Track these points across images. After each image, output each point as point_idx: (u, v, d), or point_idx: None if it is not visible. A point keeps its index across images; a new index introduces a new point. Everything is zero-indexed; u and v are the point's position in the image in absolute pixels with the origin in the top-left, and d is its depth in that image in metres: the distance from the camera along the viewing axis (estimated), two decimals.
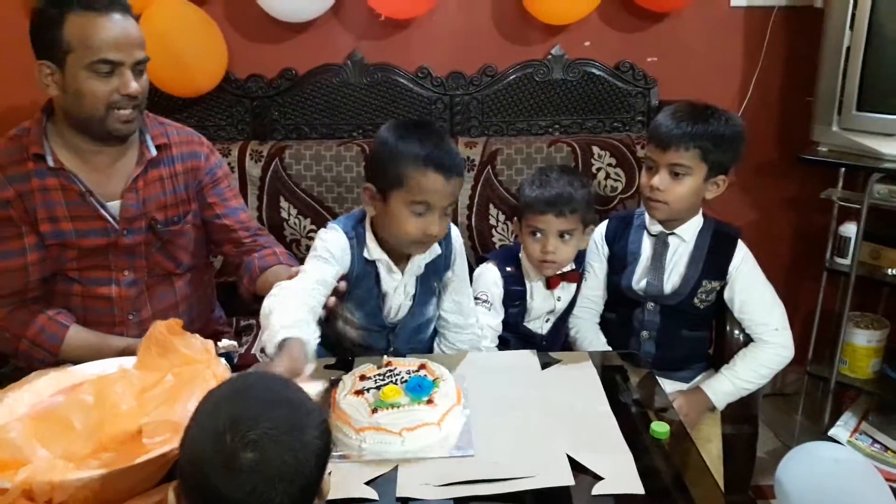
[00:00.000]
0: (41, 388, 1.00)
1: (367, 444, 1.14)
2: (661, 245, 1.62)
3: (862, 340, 2.10)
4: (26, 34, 1.38)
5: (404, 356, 1.39)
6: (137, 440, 0.90)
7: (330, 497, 1.03)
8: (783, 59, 2.23)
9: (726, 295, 1.61)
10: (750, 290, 1.59)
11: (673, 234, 1.61)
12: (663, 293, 1.60)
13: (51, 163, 1.39)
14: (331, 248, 1.36)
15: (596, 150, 2.08)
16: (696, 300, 1.60)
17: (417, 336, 1.55)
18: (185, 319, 1.45)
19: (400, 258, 1.43)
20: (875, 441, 2.04)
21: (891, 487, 1.57)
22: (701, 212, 1.63)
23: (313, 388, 1.08)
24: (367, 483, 1.07)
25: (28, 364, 1.39)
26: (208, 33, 2.02)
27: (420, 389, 1.20)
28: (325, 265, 1.34)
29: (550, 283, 1.63)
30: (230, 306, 1.90)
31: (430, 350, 1.58)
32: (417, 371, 1.27)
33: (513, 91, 2.18)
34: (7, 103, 2.08)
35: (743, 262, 1.60)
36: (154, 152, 1.49)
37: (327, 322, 1.49)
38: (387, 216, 1.36)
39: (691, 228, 1.61)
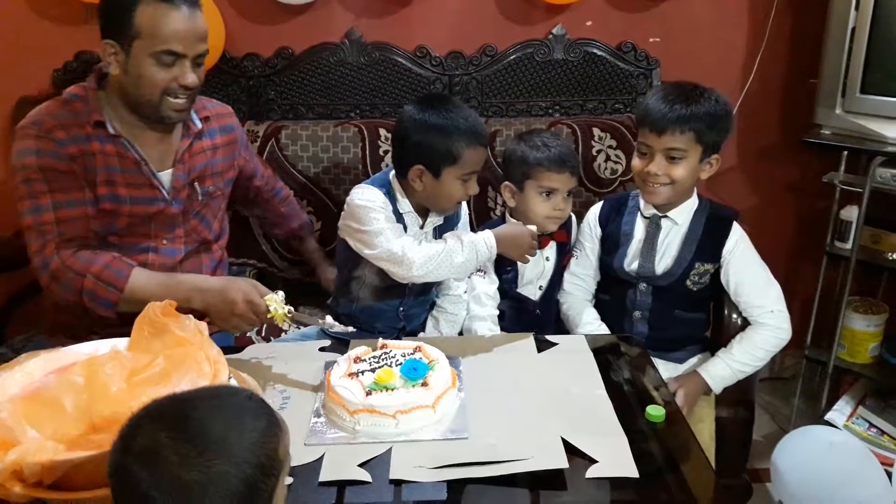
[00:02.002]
0: (32, 368, 1.00)
1: (360, 427, 1.14)
2: (653, 227, 1.61)
3: (861, 325, 2.09)
4: None
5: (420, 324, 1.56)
6: None
7: (323, 479, 1.04)
8: (787, 41, 2.20)
9: (722, 277, 1.61)
10: (744, 272, 1.58)
11: (666, 216, 1.60)
12: (655, 274, 1.60)
13: (111, 130, 1.45)
14: (378, 203, 1.47)
15: (596, 131, 2.05)
16: (688, 282, 1.60)
17: (425, 295, 1.63)
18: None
19: (420, 213, 1.55)
20: (872, 425, 2.04)
21: (886, 471, 1.58)
22: (696, 193, 1.62)
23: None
24: (361, 465, 1.07)
25: (92, 307, 1.39)
26: (204, 11, 1.99)
27: (415, 372, 1.20)
28: (389, 217, 1.47)
29: (541, 243, 1.62)
30: None
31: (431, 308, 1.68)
32: (412, 353, 1.26)
33: (513, 71, 2.15)
34: None
35: (737, 245, 1.58)
36: (199, 125, 1.57)
37: (340, 294, 1.60)
38: (436, 190, 1.48)
39: (685, 211, 1.60)
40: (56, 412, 0.91)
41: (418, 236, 1.53)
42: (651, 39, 2.18)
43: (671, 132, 1.51)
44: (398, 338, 1.46)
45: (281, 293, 1.32)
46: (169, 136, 1.52)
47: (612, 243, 1.66)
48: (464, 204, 1.63)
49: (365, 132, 2.04)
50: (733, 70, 2.23)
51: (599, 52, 2.15)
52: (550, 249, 1.69)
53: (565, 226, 1.71)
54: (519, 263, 1.63)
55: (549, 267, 1.69)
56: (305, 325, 1.35)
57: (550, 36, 2.14)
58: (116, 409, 0.91)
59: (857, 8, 1.87)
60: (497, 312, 1.65)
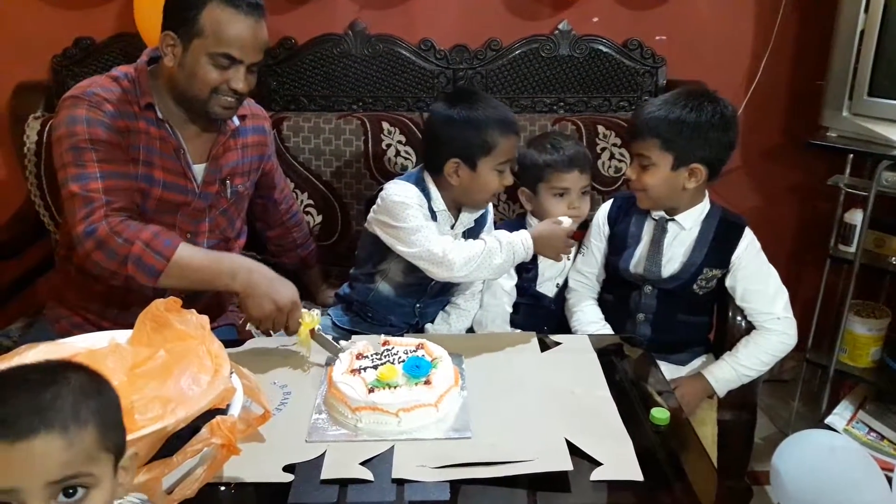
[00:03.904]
0: (32, 359, 0.98)
1: (362, 424, 1.13)
2: (659, 230, 1.60)
3: (863, 329, 2.08)
4: None
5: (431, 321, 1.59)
6: (129, 416, 0.88)
7: (325, 476, 1.03)
8: (794, 42, 2.19)
9: (728, 283, 1.59)
10: (753, 279, 1.57)
11: (673, 220, 1.59)
12: (660, 277, 1.59)
13: (159, 114, 1.46)
14: (415, 200, 1.47)
15: (601, 129, 2.04)
16: (695, 286, 1.58)
17: (444, 294, 1.64)
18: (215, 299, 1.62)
19: (452, 212, 1.56)
20: (871, 430, 2.04)
21: (887, 477, 1.57)
22: (707, 199, 1.60)
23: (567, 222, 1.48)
24: (363, 463, 1.06)
25: (134, 274, 1.37)
26: None
27: (417, 370, 1.18)
28: (426, 215, 1.48)
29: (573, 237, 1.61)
30: None
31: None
32: (415, 351, 1.25)
33: (518, 66, 2.13)
34: None
35: (746, 251, 1.57)
36: (237, 123, 1.58)
37: (357, 282, 1.61)
38: (473, 182, 1.49)
39: (693, 216, 1.58)
40: None
41: (451, 237, 1.52)
42: (657, 37, 2.16)
43: (640, 138, 1.52)
44: (407, 333, 1.46)
45: (317, 312, 1.34)
46: (208, 132, 1.54)
47: (619, 243, 1.65)
48: (490, 206, 1.66)
49: (368, 125, 2.02)
50: (739, 70, 2.21)
51: (605, 49, 2.13)
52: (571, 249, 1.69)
53: (583, 225, 1.71)
54: (540, 262, 1.64)
55: (569, 265, 1.70)
56: (323, 347, 1.33)
57: (556, 31, 2.12)
58: None
59: (866, 10, 1.86)
60: (510, 309, 1.65)
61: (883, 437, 2.01)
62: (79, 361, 0.77)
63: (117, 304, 1.55)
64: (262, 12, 1.43)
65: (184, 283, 1.41)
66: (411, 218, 1.44)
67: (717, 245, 1.57)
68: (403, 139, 2.02)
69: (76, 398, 0.70)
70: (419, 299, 1.59)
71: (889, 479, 1.57)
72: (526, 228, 1.62)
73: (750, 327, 1.60)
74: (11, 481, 0.67)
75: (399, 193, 1.47)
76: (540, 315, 1.67)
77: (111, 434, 0.73)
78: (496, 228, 1.76)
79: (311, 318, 1.32)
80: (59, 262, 1.64)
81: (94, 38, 2.06)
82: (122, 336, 1.08)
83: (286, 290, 1.35)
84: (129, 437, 0.85)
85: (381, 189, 1.54)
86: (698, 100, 1.50)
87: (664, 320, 1.62)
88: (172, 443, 0.90)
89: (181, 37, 1.40)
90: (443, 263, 1.41)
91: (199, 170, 1.54)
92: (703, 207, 1.59)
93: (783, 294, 1.58)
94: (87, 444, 0.70)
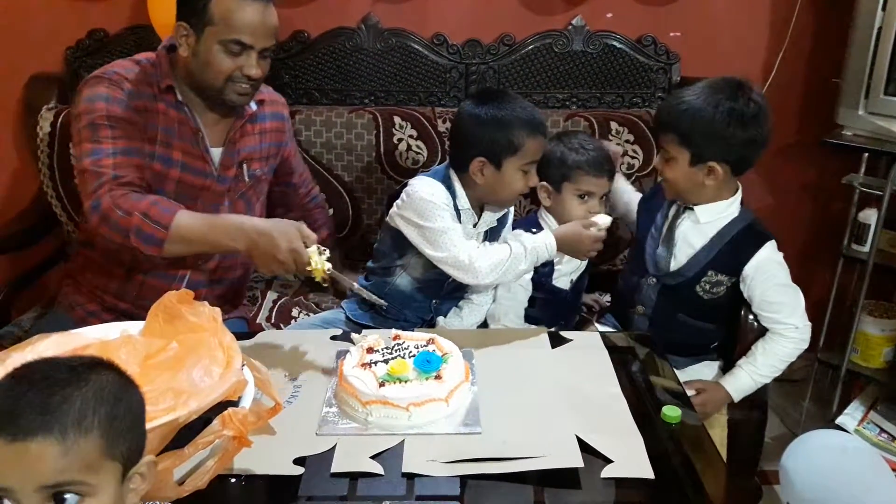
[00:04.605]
0: (43, 350, 0.98)
1: (373, 418, 1.13)
2: (675, 216, 1.56)
3: (875, 329, 2.07)
4: None
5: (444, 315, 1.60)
6: None
7: (335, 470, 1.03)
8: (810, 39, 2.16)
9: (744, 290, 1.54)
10: (771, 293, 1.51)
11: (689, 209, 1.54)
12: (667, 270, 1.56)
13: (179, 97, 1.49)
14: (442, 198, 1.46)
15: (614, 125, 2.03)
16: (698, 287, 1.54)
17: (460, 291, 1.63)
18: (240, 272, 1.67)
19: (476, 210, 1.55)
20: (883, 431, 2.02)
21: None
22: (737, 200, 1.53)
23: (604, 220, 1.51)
24: (373, 457, 1.06)
25: (139, 246, 1.38)
26: None
27: (428, 364, 1.18)
28: (452, 216, 1.47)
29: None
30: None
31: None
32: (426, 346, 1.25)
33: (531, 62, 2.13)
34: None
35: (762, 266, 1.50)
36: (254, 108, 1.59)
37: (374, 275, 1.62)
38: (498, 181, 1.48)
39: (712, 211, 1.52)
40: None
41: (470, 235, 1.52)
42: (672, 33, 2.15)
43: (661, 131, 1.51)
44: (419, 328, 1.46)
45: (326, 252, 1.32)
46: (225, 117, 1.56)
47: (644, 220, 1.63)
48: (511, 211, 1.65)
49: (379, 119, 2.02)
50: (754, 67, 2.19)
51: (619, 45, 2.12)
52: None
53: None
54: (556, 258, 1.62)
55: (584, 263, 1.69)
56: (338, 288, 1.35)
57: (570, 27, 2.11)
58: None
59: (884, 7, 1.83)
60: (525, 303, 1.64)
61: (894, 438, 2.00)
62: (111, 362, 0.77)
63: (136, 286, 1.56)
64: None
65: (191, 249, 1.44)
66: (438, 218, 1.44)
67: (730, 250, 1.51)
68: (415, 133, 2.01)
69: (85, 404, 0.69)
70: (437, 294, 1.58)
71: None
72: (539, 225, 1.63)
73: (763, 329, 1.57)
74: (4, 480, 0.67)
75: (427, 192, 1.46)
76: (555, 308, 1.65)
77: (121, 442, 0.72)
78: (519, 220, 1.76)
79: (317, 255, 1.29)
80: (78, 247, 1.65)
81: (108, 30, 2.07)
82: (134, 327, 1.08)
83: (282, 240, 1.31)
84: None
85: (406, 185, 1.52)
86: (719, 94, 1.44)
87: (663, 317, 1.58)
88: (184, 434, 0.91)
89: (194, 26, 1.43)
90: (469, 270, 1.43)
91: (216, 153, 1.56)
92: (728, 207, 1.53)
93: (801, 303, 1.53)
94: (86, 452, 0.68)
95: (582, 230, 1.49)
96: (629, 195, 1.77)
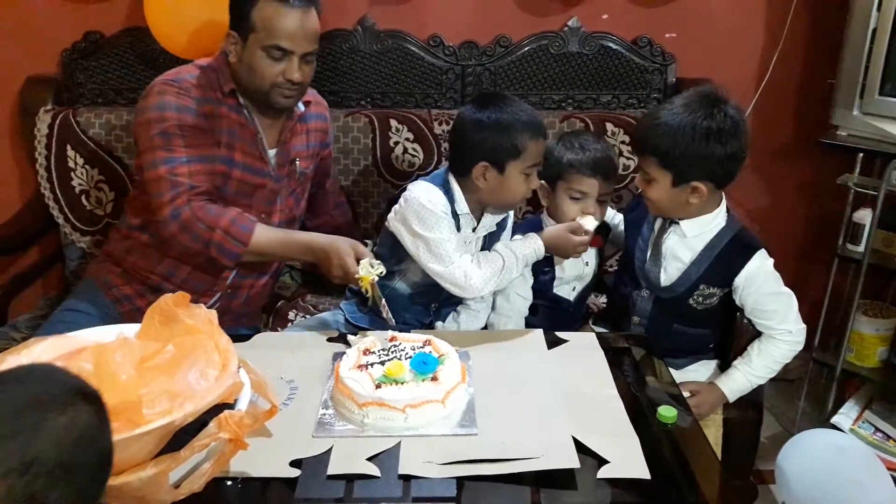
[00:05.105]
0: (39, 353, 0.98)
1: (369, 420, 1.13)
2: (661, 231, 1.54)
3: (870, 329, 2.07)
4: None
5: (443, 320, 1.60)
6: (137, 410, 0.88)
7: (332, 472, 1.03)
8: (805, 39, 2.17)
9: (736, 299, 1.53)
10: (764, 300, 1.50)
11: (675, 223, 1.51)
12: (658, 284, 1.54)
13: (241, 100, 1.57)
14: (440, 206, 1.45)
15: (609, 126, 2.03)
16: (691, 300, 1.53)
17: (457, 297, 1.61)
18: (277, 265, 1.76)
19: (475, 214, 1.54)
20: (878, 430, 2.03)
21: (892, 476, 1.57)
22: (722, 211, 1.51)
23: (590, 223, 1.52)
24: (369, 459, 1.06)
25: (217, 258, 1.51)
26: None
27: (425, 366, 1.18)
28: (451, 226, 1.46)
29: (592, 242, 1.59)
30: None
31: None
32: (422, 347, 1.25)
33: (527, 63, 2.13)
34: None
35: (753, 276, 1.48)
36: (303, 108, 1.68)
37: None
38: (501, 185, 1.47)
39: (698, 225, 1.50)
40: None
41: (469, 240, 1.52)
42: (667, 34, 2.15)
43: (639, 153, 1.49)
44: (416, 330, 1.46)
45: (379, 266, 1.40)
46: (277, 119, 1.64)
47: (631, 232, 1.61)
48: (511, 214, 1.65)
49: (376, 122, 2.02)
50: (750, 67, 2.20)
51: (615, 46, 2.12)
52: (589, 255, 1.66)
53: (602, 231, 1.67)
54: (556, 264, 1.63)
55: (588, 271, 1.68)
56: (376, 304, 1.42)
57: (566, 28, 2.12)
58: (125, 398, 0.89)
59: (878, 8, 1.85)
60: (526, 312, 1.64)
61: (889, 437, 2.01)
62: (97, 395, 0.72)
63: (186, 271, 1.63)
64: (309, 3, 1.51)
65: (263, 260, 1.61)
66: (435, 228, 1.44)
67: (720, 263, 1.49)
68: (412, 136, 2.02)
69: (28, 448, 0.62)
70: (436, 299, 1.58)
71: (895, 479, 1.57)
72: (542, 228, 1.61)
73: (758, 330, 1.57)
74: None
75: (427, 198, 1.45)
76: (558, 318, 1.63)
77: (72, 492, 0.64)
78: (521, 223, 1.75)
79: (367, 270, 1.38)
80: (126, 230, 1.68)
81: (104, 32, 2.07)
82: (130, 330, 1.08)
83: (334, 258, 1.44)
84: (137, 431, 0.86)
85: (405, 189, 1.52)
86: (696, 113, 1.40)
87: (658, 327, 1.57)
88: (180, 437, 0.91)
89: (240, 34, 1.52)
90: (464, 287, 1.45)
91: (271, 154, 1.63)
92: (714, 219, 1.50)
93: (794, 307, 1.52)
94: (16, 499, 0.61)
95: (566, 234, 1.50)
96: (617, 218, 1.74)
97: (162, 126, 1.50)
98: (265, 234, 1.53)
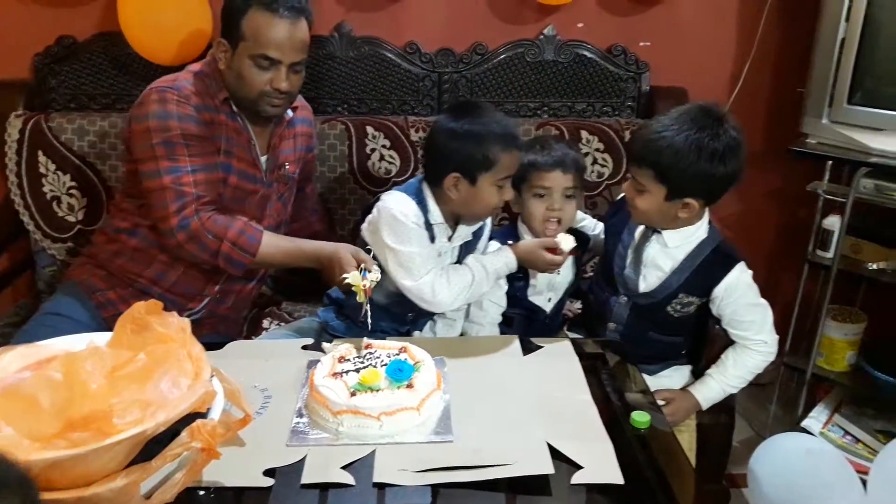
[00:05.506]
0: (6, 363, 0.96)
1: (343, 428, 1.13)
2: (643, 239, 1.55)
3: (839, 334, 2.11)
4: None
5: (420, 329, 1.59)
6: (108, 420, 0.87)
7: (306, 481, 1.03)
8: (776, 49, 2.21)
9: (713, 309, 1.55)
10: (741, 312, 1.52)
11: (657, 232, 1.53)
12: (637, 291, 1.56)
13: (234, 107, 1.59)
14: (412, 218, 1.44)
15: (584, 134, 2.05)
16: (668, 308, 1.54)
17: None
18: (264, 271, 1.77)
19: (449, 223, 1.53)
20: (847, 433, 2.07)
21: (861, 479, 1.59)
22: (705, 223, 1.52)
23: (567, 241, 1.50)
24: (344, 467, 1.06)
25: (225, 267, 1.55)
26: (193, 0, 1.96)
27: (400, 373, 1.18)
28: (422, 238, 1.45)
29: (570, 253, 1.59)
30: None
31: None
32: (398, 354, 1.25)
33: (503, 71, 2.14)
34: None
35: (732, 287, 1.50)
36: (291, 114, 1.69)
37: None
38: (473, 197, 1.46)
39: (680, 235, 1.51)
40: (32, 409, 0.88)
41: (444, 249, 1.52)
42: (641, 43, 2.18)
43: (636, 163, 1.47)
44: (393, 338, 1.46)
45: (374, 273, 1.38)
46: (266, 126, 1.66)
47: (611, 238, 1.62)
48: (488, 223, 1.64)
49: (352, 129, 2.02)
50: (722, 76, 2.24)
51: (589, 55, 2.15)
52: (564, 265, 1.62)
53: (579, 239, 1.63)
54: (530, 273, 1.63)
55: (560, 281, 1.67)
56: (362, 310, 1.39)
57: (541, 36, 2.13)
58: (95, 407, 0.88)
59: (847, 19, 1.88)
60: (500, 319, 1.64)
61: (858, 441, 2.04)
62: (27, 483, 0.70)
63: (178, 273, 1.62)
64: (299, 14, 1.52)
65: (266, 267, 1.67)
66: (406, 241, 1.43)
67: (701, 273, 1.51)
68: (388, 143, 2.02)
69: None
70: (412, 309, 1.55)
71: (864, 482, 1.60)
72: (517, 236, 1.62)
73: (730, 338, 1.58)
74: None
75: (399, 209, 1.44)
76: (535, 329, 1.62)
77: None
78: (495, 231, 1.75)
79: (356, 278, 1.36)
80: (112, 233, 1.66)
81: (77, 36, 2.05)
82: (101, 339, 1.07)
83: (336, 264, 1.45)
84: (107, 442, 0.85)
85: (378, 199, 1.51)
86: (702, 133, 1.39)
87: (635, 334, 1.58)
88: (151, 447, 0.90)
89: (230, 42, 1.53)
90: (432, 303, 1.45)
91: (263, 160, 1.66)
92: (697, 231, 1.51)
93: (769, 319, 1.54)
94: None
95: (539, 250, 1.49)
96: (598, 228, 1.73)
97: (165, 135, 1.50)
98: (272, 244, 1.55)
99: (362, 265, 1.41)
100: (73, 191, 1.97)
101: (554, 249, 1.50)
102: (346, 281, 1.37)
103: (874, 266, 2.02)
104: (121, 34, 1.94)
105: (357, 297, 1.36)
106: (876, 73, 1.90)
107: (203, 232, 1.51)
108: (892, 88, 1.90)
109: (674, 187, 1.43)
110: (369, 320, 1.38)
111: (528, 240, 1.56)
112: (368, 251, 1.47)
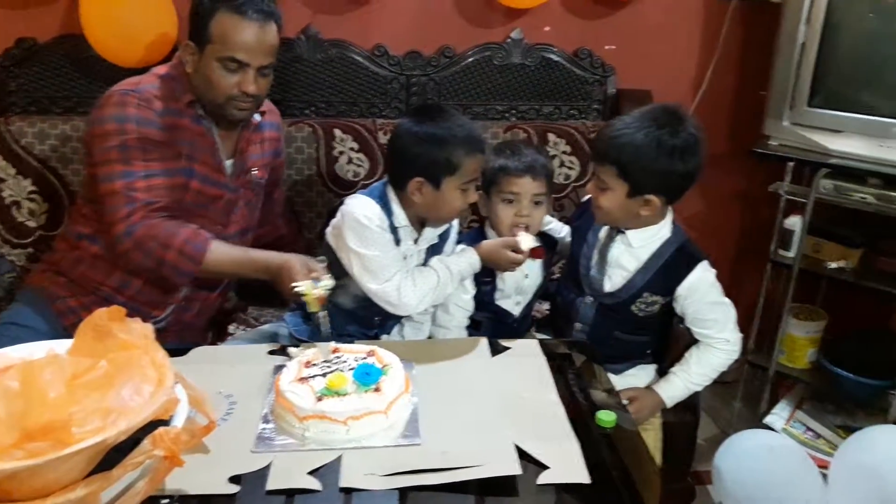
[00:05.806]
0: None
1: (310, 433, 1.12)
2: (607, 240, 1.57)
3: (800, 332, 2.15)
4: None
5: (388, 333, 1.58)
6: (66, 429, 0.86)
7: (271, 487, 1.02)
8: (739, 52, 2.26)
9: (676, 309, 1.57)
10: (704, 311, 1.55)
11: (622, 233, 1.55)
12: (602, 290, 1.58)
13: (200, 111, 1.56)
14: (376, 221, 1.44)
15: (552, 137, 2.07)
16: (633, 307, 1.56)
17: None
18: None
19: (415, 226, 1.52)
20: (808, 429, 2.11)
21: (821, 473, 1.63)
22: (668, 223, 1.55)
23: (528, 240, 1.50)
24: (310, 473, 1.05)
25: (170, 276, 1.51)
26: (157, 1, 1.93)
27: (367, 377, 1.18)
28: (387, 242, 1.44)
29: (533, 254, 1.58)
30: None
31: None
32: (366, 358, 1.25)
33: (470, 74, 2.15)
34: None
35: (695, 286, 1.52)
36: (258, 118, 1.67)
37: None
38: (437, 201, 1.46)
39: (643, 236, 1.53)
40: None
41: (411, 252, 1.52)
42: (607, 47, 2.21)
43: (599, 161, 1.49)
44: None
45: (325, 283, 1.34)
46: (233, 129, 1.63)
47: (577, 239, 1.63)
48: (455, 225, 1.63)
49: (320, 132, 2.01)
50: (686, 79, 2.28)
51: (556, 58, 2.17)
52: (531, 267, 1.65)
53: (546, 243, 1.67)
54: (497, 276, 1.63)
55: (528, 284, 1.67)
56: (318, 320, 1.36)
57: (509, 40, 2.15)
58: (53, 416, 0.86)
59: (807, 23, 1.92)
60: (467, 322, 1.64)
61: (819, 436, 2.09)
62: None
63: (141, 282, 1.60)
64: (267, 17, 1.51)
65: (216, 277, 1.62)
66: (371, 244, 1.42)
67: (664, 272, 1.53)
68: (356, 146, 2.02)
69: None
70: (379, 312, 1.55)
71: (824, 476, 1.63)
72: (486, 237, 1.62)
73: (694, 337, 1.61)
74: None
75: (362, 213, 1.44)
76: (503, 333, 1.60)
77: None
78: (463, 234, 1.75)
79: (305, 287, 1.33)
80: (74, 240, 1.64)
81: (37, 38, 2.00)
82: (61, 346, 1.05)
83: (286, 275, 1.41)
84: (65, 451, 0.83)
85: (342, 203, 1.50)
86: (661, 130, 1.43)
87: (601, 334, 1.59)
88: (112, 456, 0.88)
89: (197, 44, 1.51)
90: (398, 306, 1.44)
91: (228, 164, 1.63)
92: (660, 230, 1.54)
93: (732, 317, 1.57)
94: None
95: (501, 249, 1.51)
96: (564, 231, 1.74)
97: (121, 138, 1.47)
98: (220, 252, 1.51)
99: (313, 274, 1.38)
100: (33, 195, 1.93)
101: (513, 247, 1.51)
102: (297, 290, 1.33)
103: (834, 265, 2.07)
104: (83, 36, 1.91)
105: (308, 307, 1.34)
106: (835, 76, 1.95)
107: (148, 239, 1.47)
108: (851, 91, 1.95)
109: (635, 184, 1.46)
110: (323, 329, 1.35)
111: (490, 240, 1.57)
112: (322, 261, 1.44)
